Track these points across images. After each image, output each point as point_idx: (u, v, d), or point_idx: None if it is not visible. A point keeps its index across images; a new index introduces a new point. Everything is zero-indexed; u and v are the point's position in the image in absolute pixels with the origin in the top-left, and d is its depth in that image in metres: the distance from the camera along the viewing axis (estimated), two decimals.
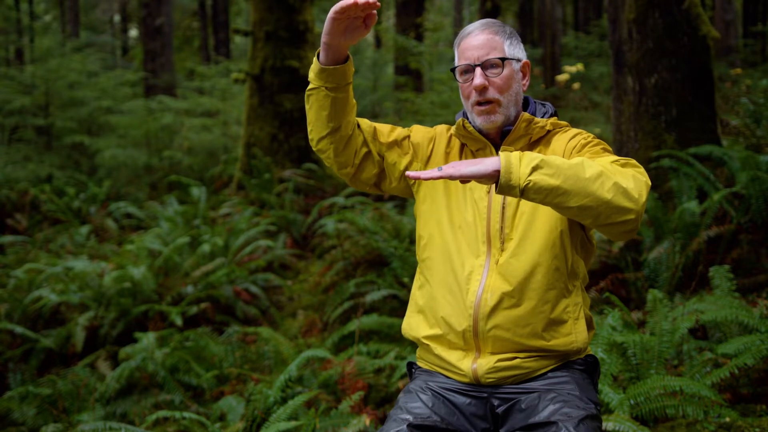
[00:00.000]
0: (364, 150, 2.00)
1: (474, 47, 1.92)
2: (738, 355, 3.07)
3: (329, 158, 1.99)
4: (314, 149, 2.00)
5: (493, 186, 1.89)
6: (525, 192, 1.62)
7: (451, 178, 1.62)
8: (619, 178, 1.66)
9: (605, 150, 1.88)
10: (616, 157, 1.80)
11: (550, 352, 1.87)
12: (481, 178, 1.62)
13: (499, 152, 1.69)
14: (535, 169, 1.61)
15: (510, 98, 1.93)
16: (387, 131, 2.05)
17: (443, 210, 1.97)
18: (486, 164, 1.62)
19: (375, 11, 1.76)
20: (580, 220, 1.69)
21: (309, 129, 1.97)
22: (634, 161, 1.79)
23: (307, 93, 1.93)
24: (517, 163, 1.62)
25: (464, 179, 1.63)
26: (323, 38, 1.81)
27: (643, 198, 1.68)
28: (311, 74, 1.89)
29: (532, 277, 1.85)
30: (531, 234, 1.87)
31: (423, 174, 1.62)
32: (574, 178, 1.63)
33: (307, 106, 1.95)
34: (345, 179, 2.06)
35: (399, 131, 2.07)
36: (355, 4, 1.71)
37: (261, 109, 8.49)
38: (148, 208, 8.51)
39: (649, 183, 1.73)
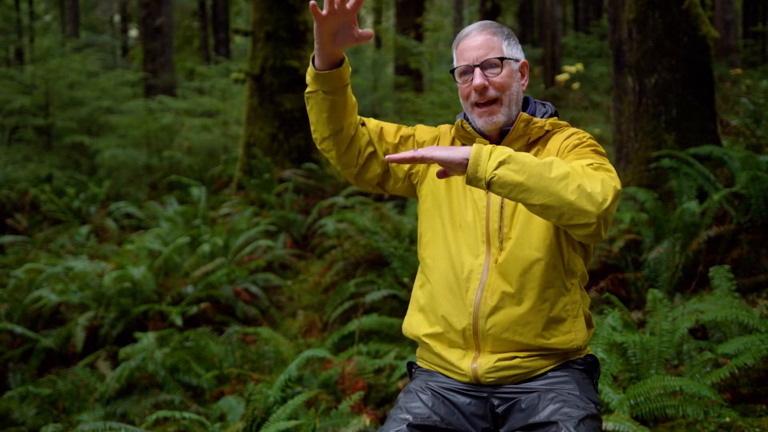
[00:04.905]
0: (369, 150, 2.01)
1: (472, 48, 1.93)
2: (738, 355, 3.07)
3: (333, 158, 2.00)
4: (318, 148, 2.01)
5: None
6: (490, 185, 1.66)
7: (423, 160, 1.68)
8: (584, 181, 1.66)
9: (596, 152, 1.87)
10: (591, 160, 1.80)
11: (550, 351, 1.87)
12: (451, 164, 1.68)
13: (474, 143, 1.72)
14: (501, 163, 1.65)
15: (511, 97, 1.94)
16: (393, 131, 2.06)
17: (444, 209, 1.98)
18: (458, 152, 1.68)
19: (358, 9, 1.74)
20: (546, 218, 1.71)
21: (312, 129, 1.98)
22: (608, 166, 1.80)
23: (305, 95, 1.93)
24: (486, 156, 1.66)
25: (436, 164, 1.69)
26: (315, 44, 1.82)
27: (608, 203, 1.67)
28: (308, 78, 1.89)
29: (531, 275, 1.85)
30: (528, 232, 1.87)
31: (396, 156, 1.69)
32: (538, 177, 1.65)
33: (307, 108, 1.96)
34: (349, 178, 2.07)
35: (405, 130, 2.08)
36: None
37: (261, 109, 8.49)
38: (148, 208, 8.50)
39: (619, 188, 1.72)
